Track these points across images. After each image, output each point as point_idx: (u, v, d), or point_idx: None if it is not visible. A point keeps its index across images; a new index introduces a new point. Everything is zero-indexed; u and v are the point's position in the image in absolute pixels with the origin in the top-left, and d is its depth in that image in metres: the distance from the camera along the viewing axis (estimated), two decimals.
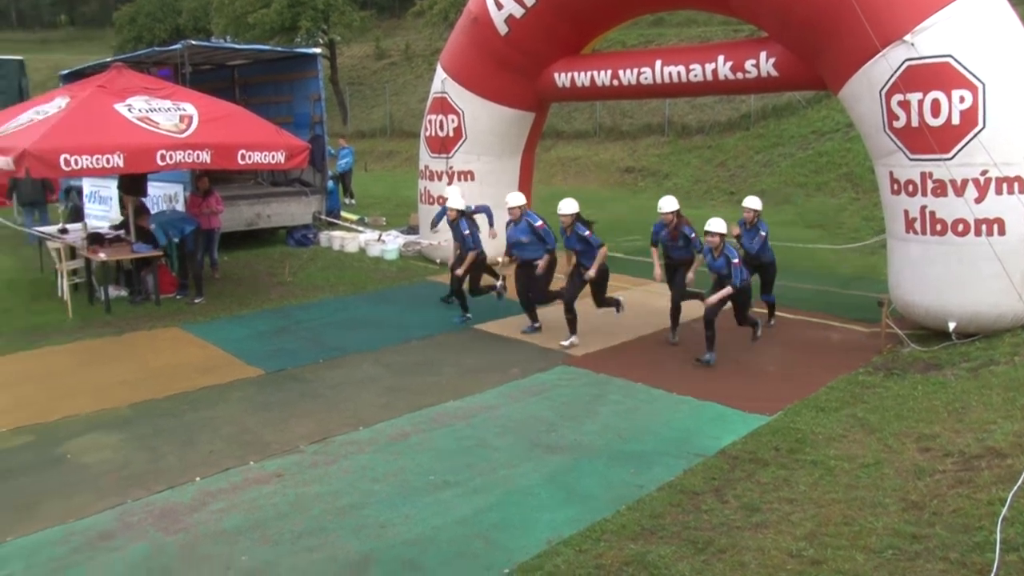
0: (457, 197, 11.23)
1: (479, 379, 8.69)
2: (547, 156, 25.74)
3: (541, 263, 10.27)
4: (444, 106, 14.17)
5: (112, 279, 12.59)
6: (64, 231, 13.70)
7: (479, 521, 5.92)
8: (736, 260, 9.18)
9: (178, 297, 12.35)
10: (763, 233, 10.36)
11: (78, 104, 11.22)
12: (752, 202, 10.42)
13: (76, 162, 10.22)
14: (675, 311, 10.15)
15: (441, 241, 14.04)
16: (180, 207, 14.22)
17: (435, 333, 10.65)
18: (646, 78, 12.44)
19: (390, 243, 15.66)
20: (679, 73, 12.09)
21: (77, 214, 16.50)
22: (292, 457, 7.01)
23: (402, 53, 42.48)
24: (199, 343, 10.14)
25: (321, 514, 6.04)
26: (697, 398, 8.22)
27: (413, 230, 16.33)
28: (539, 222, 10.21)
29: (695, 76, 11.94)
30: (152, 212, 13.11)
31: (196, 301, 12.05)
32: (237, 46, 19.59)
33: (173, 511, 6.13)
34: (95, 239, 12.47)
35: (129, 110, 11.11)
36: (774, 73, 11.17)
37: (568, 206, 9.93)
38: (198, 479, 6.62)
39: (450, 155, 14.19)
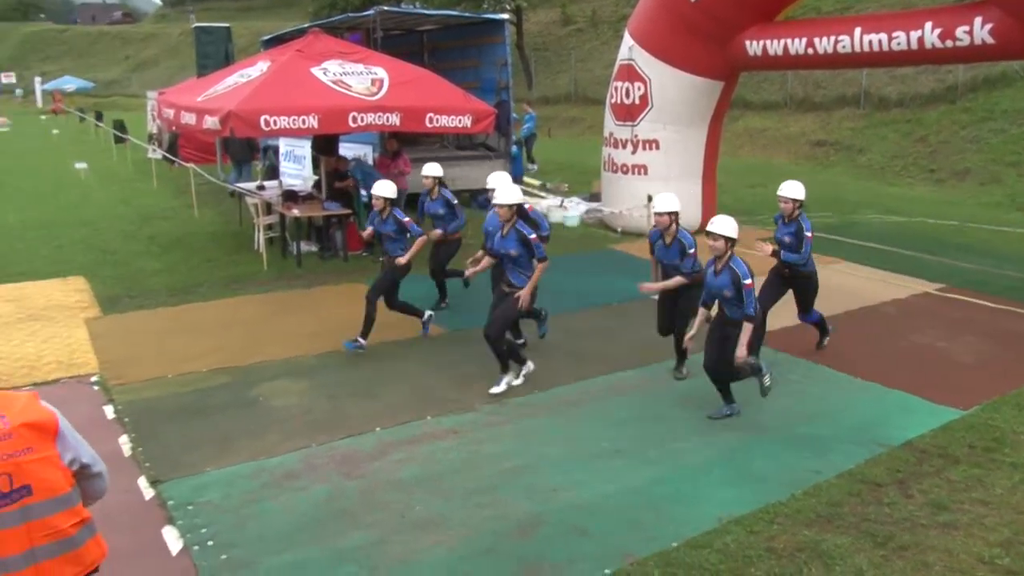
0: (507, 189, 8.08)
1: (657, 350, 8.56)
2: (734, 127, 25.00)
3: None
4: (631, 73, 13.97)
5: (304, 235, 13.21)
6: (261, 188, 14.48)
7: (649, 492, 5.86)
8: (748, 281, 6.69)
9: (365, 254, 12.82)
10: (808, 233, 8.01)
11: (278, 68, 11.78)
12: (791, 189, 8.12)
13: (275, 122, 10.75)
14: (677, 344, 8.00)
15: (623, 210, 13.91)
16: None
17: (614, 301, 10.55)
18: (844, 47, 11.79)
19: (572, 210, 15.65)
20: (880, 41, 11.38)
21: (273, 172, 17.39)
22: (468, 416, 7.16)
23: (588, 19, 42.23)
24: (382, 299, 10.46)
25: (493, 473, 6.14)
26: (884, 385, 7.79)
27: (595, 197, 16.24)
28: (533, 235, 7.70)
29: (898, 45, 11.21)
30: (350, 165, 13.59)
31: (381, 259, 12.44)
32: (427, 12, 19.97)
33: (354, 457, 6.40)
34: (289, 196, 13.11)
35: (324, 73, 11.57)
36: (990, 40, 10.32)
37: (667, 202, 7.71)
38: (378, 429, 6.88)
39: (635, 123, 14.00)
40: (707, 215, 14.20)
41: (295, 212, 12.50)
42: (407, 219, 8.90)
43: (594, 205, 15.82)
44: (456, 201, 10.09)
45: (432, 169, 10.02)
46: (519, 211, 7.80)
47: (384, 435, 6.77)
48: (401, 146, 13.67)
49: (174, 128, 19.77)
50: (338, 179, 12.93)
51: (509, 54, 18.01)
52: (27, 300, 10.66)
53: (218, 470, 6.26)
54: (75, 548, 2.83)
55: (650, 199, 13.42)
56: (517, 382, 7.80)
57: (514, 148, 18.41)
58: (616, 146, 14.42)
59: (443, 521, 5.52)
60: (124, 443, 6.76)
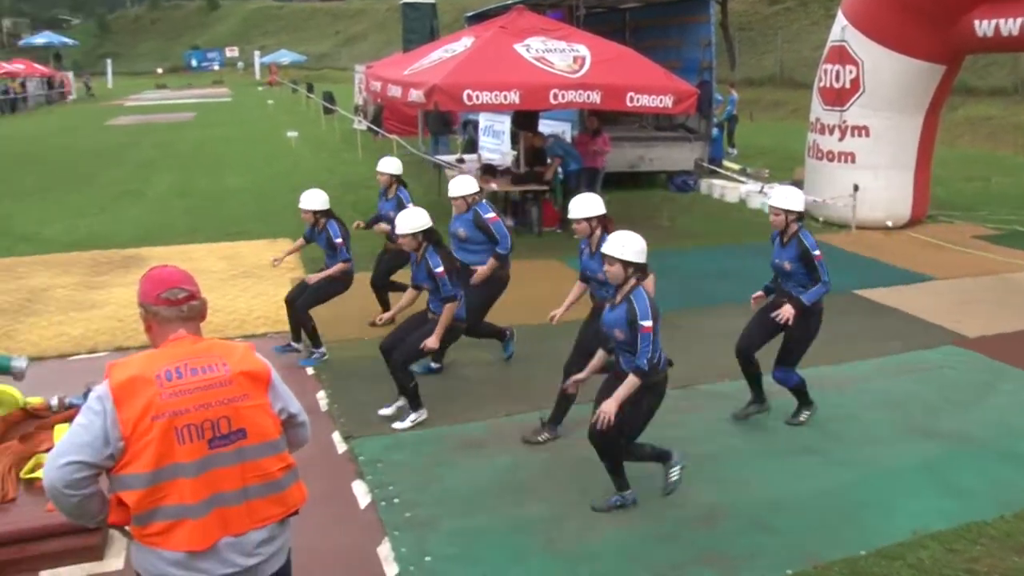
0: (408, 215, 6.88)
1: (854, 347, 8.17)
2: (952, 115, 23.34)
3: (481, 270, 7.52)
4: (842, 55, 13.30)
5: (500, 209, 13.43)
6: (461, 161, 14.84)
7: (840, 495, 5.61)
8: (646, 325, 5.02)
9: (559, 231, 12.91)
10: (816, 252, 6.19)
11: (482, 44, 12.00)
12: (783, 197, 6.34)
13: (477, 97, 10.97)
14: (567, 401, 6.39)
15: (826, 199, 13.33)
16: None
17: None
18: None
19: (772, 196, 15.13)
20: None
21: (472, 146, 17.78)
22: None
23: None
24: (575, 277, 10.48)
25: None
26: None
27: (797, 184, 15.61)
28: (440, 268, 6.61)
29: None
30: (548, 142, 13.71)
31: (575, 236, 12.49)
32: None
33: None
34: (488, 170, 13.37)
35: (527, 50, 11.69)
36: None
37: (785, 198, 6.37)
38: None
39: (844, 108, 13.33)
40: (918, 209, 13.43)
41: (493, 186, 12.73)
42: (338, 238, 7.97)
43: None
44: (341, 239, 8.24)
45: (387, 165, 8.91)
46: (427, 235, 6.64)
47: (572, 411, 6.80)
48: (601, 124, 13.64)
49: (379, 100, 20.65)
50: (538, 162, 13.03)
51: (713, 33, 17.59)
52: (240, 258, 11.45)
53: (409, 432, 6.50)
54: (281, 491, 3.02)
55: (856, 189, 12.83)
56: (416, 418, 6.70)
57: (715, 131, 17.98)
58: (822, 132, 13.80)
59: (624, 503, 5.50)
60: (321, 398, 7.14)
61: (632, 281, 5.20)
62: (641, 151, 16.47)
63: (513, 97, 11.02)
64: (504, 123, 15.49)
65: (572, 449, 6.18)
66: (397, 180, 8.79)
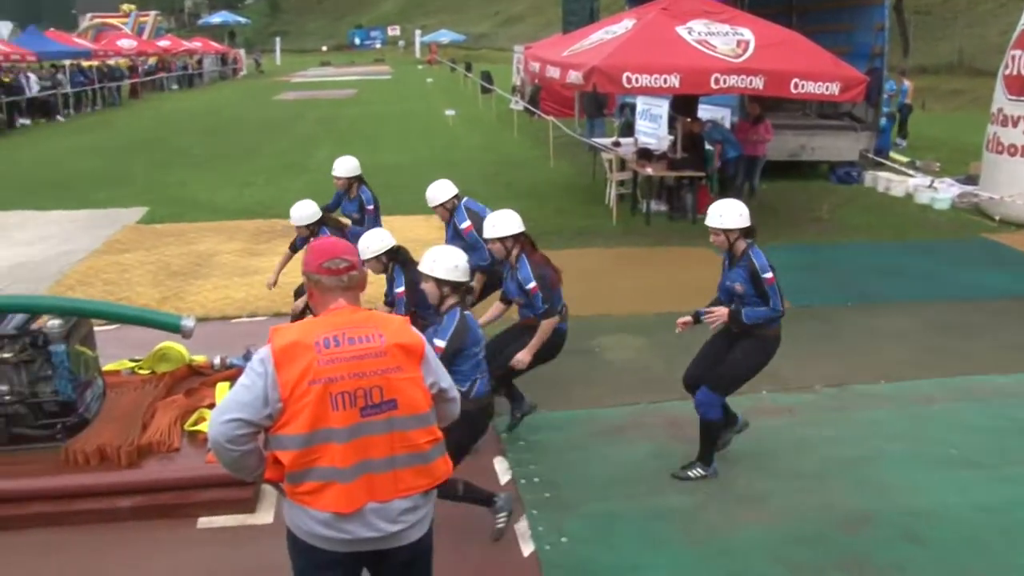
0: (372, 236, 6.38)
1: None
2: None
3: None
4: None
5: (655, 194, 13.28)
6: (617, 144, 14.73)
7: (1002, 512, 5.27)
8: (768, 276, 5.20)
9: None
10: (767, 275, 5.30)
11: (643, 25, 11.84)
12: (716, 216, 5.42)
13: (637, 80, 10.84)
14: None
15: (1005, 196, 12.51)
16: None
17: (983, 297, 9.49)
18: None
19: (943, 191, 14.30)
20: None
21: (629, 129, 17.63)
22: (806, 396, 6.87)
23: None
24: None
25: (825, 460, 5.86)
26: None
27: (971, 180, 14.72)
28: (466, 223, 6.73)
29: None
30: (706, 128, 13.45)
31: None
32: None
33: (683, 420, 6.36)
34: (643, 154, 13.22)
35: (689, 32, 11.45)
36: None
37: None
38: None
39: None
40: None
41: (648, 170, 12.59)
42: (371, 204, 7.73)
43: (969, 188, 14.34)
44: (373, 206, 8.10)
45: (341, 167, 8.16)
46: (391, 255, 6.21)
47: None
48: (763, 111, 13.26)
49: (537, 81, 20.71)
50: (695, 148, 12.76)
51: (887, 17, 16.73)
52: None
53: (551, 412, 6.54)
54: (427, 463, 3.09)
55: None
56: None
57: (883, 120, 17.13)
58: (1005, 124, 12.93)
59: (765, 499, 5.37)
60: None
61: (742, 244, 5.35)
62: (803, 140, 15.88)
63: (673, 81, 10.83)
64: (662, 107, 15.29)
65: None
66: (357, 180, 8.16)
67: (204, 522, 5.22)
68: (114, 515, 5.27)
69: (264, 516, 5.26)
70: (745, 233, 5.39)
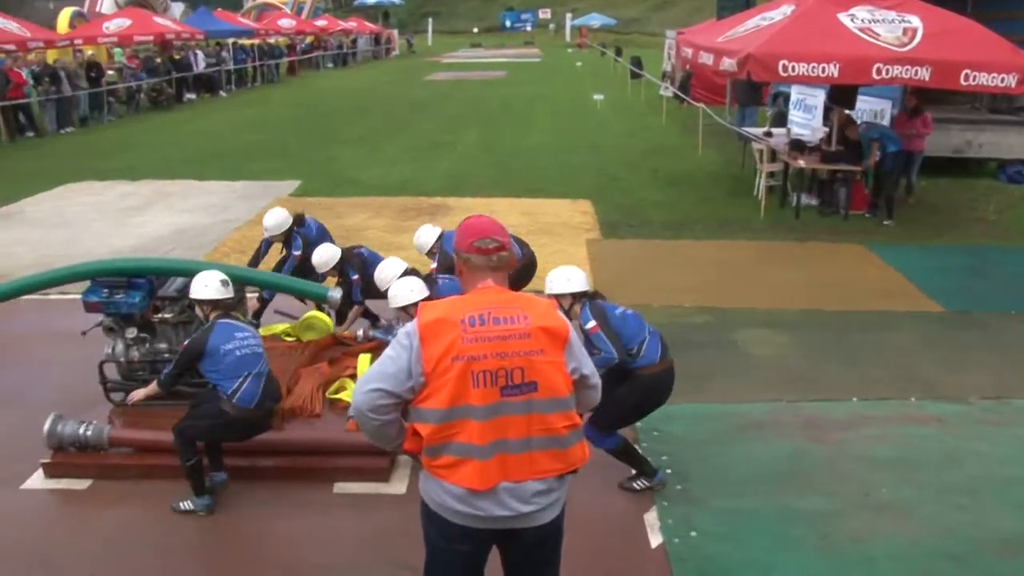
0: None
1: None
2: None
3: None
4: None
5: (806, 187, 12.84)
6: (768, 134, 14.29)
7: None
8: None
9: (867, 215, 12.12)
10: (589, 325, 5.13)
11: (802, 12, 11.42)
12: (555, 282, 5.27)
13: (793, 68, 10.49)
14: None
15: None
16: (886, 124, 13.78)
17: None
18: None
19: None
20: None
21: (781, 119, 17.07)
22: (957, 406, 6.50)
23: None
24: (880, 265, 9.87)
25: (978, 475, 5.52)
26: None
27: None
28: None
29: None
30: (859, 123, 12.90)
31: (885, 223, 11.67)
32: None
33: (823, 422, 6.18)
34: (796, 146, 12.79)
35: (851, 20, 10.98)
36: None
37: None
38: (854, 399, 6.54)
39: None
40: None
41: (800, 162, 12.17)
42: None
43: None
44: (300, 252, 7.41)
45: (270, 222, 7.47)
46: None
47: (860, 407, 6.42)
48: (921, 103, 12.58)
49: (688, 67, 20.33)
50: (850, 142, 12.22)
51: None
52: (539, 215, 11.80)
53: (688, 404, 6.40)
54: (563, 447, 3.08)
55: None
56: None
57: None
58: None
59: (909, 510, 5.12)
60: None
61: (577, 308, 5.23)
62: (970, 135, 14.96)
63: (832, 70, 10.41)
64: (818, 97, 14.70)
65: (859, 445, 5.85)
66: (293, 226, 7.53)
67: (340, 487, 5.40)
68: (256, 473, 5.51)
69: (398, 486, 5.39)
70: (581, 296, 5.27)
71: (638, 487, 5.41)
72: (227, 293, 5.24)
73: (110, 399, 6.31)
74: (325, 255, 7.15)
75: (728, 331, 7.82)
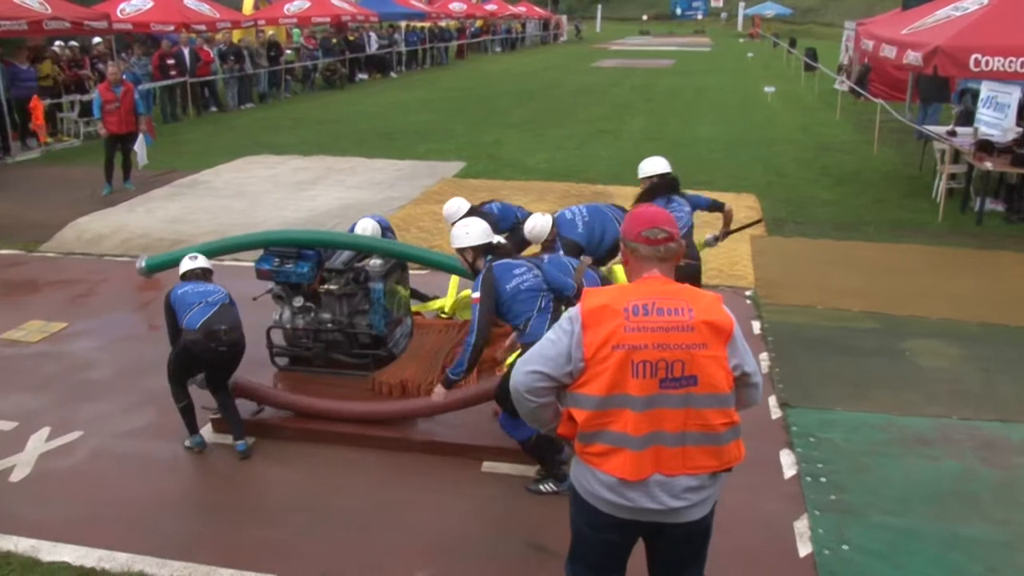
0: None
1: None
2: None
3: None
4: None
5: (992, 191, 12.03)
6: (952, 133, 13.48)
7: None
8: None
9: None
10: (475, 293, 5.04)
11: (1000, 1, 10.68)
12: (459, 235, 5.23)
13: (987, 63, 9.88)
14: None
15: None
16: None
17: None
18: None
19: None
20: None
21: (967, 118, 16.06)
22: None
23: None
24: None
25: None
26: None
27: None
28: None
29: None
30: None
31: None
32: None
33: (997, 444, 5.78)
34: (984, 146, 11.99)
35: None
36: None
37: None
38: None
39: None
40: None
41: (987, 165, 11.40)
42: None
43: None
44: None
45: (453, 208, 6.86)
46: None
47: None
48: None
49: (867, 60, 19.42)
50: None
51: None
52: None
53: (847, 412, 6.17)
54: (719, 444, 3.02)
55: None
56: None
57: None
58: None
59: None
60: (763, 360, 7.01)
61: (481, 263, 5.17)
62: None
63: None
64: (1012, 95, 13.74)
65: None
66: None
67: (488, 466, 5.47)
68: (406, 445, 5.66)
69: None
70: (484, 251, 5.19)
71: (544, 490, 5.20)
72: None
73: (275, 363, 6.63)
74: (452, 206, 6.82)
75: (896, 339, 7.42)
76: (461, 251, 5.28)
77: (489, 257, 5.15)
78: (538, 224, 6.39)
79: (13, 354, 7.31)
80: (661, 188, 6.66)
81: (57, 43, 19.35)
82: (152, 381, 6.46)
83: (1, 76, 15.90)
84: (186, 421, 5.71)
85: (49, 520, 5.00)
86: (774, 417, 6.12)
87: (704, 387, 2.95)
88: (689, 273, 5.85)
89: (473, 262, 5.23)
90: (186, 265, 5.95)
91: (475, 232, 5.22)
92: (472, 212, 6.54)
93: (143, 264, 6.69)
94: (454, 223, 5.77)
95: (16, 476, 5.49)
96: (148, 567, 4.56)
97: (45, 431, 6.01)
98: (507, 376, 4.74)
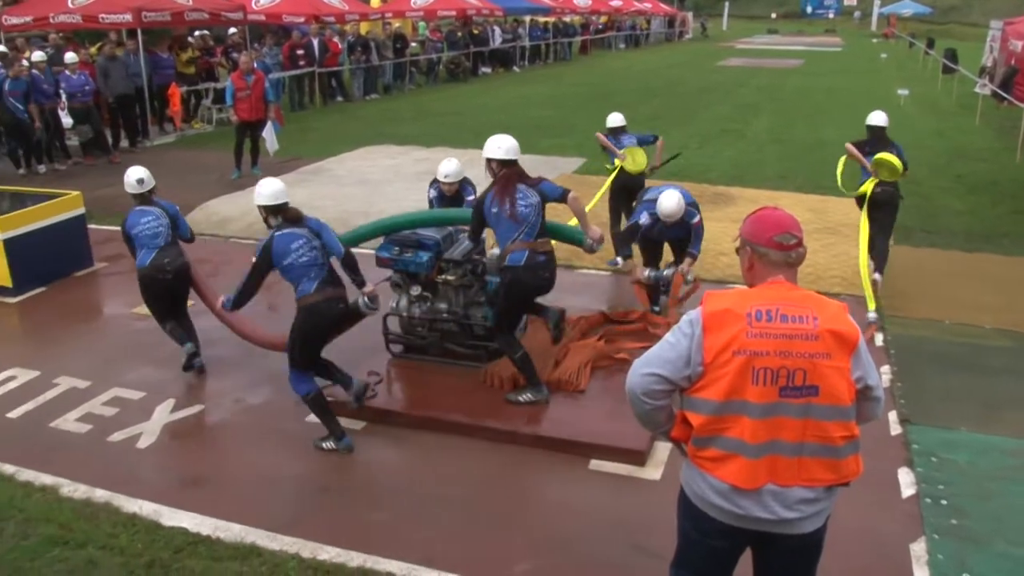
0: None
1: None
2: None
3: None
4: None
5: None
6: None
7: None
8: None
9: None
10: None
11: None
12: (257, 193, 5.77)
13: None
14: None
15: None
16: None
17: None
18: None
19: None
20: None
21: None
22: None
23: None
24: None
25: None
26: None
27: None
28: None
29: None
30: None
31: None
32: None
33: None
34: None
35: None
36: None
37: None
38: None
39: None
40: None
41: None
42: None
43: None
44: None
45: (452, 167, 7.43)
46: None
47: None
48: None
49: (1013, 62, 18.47)
50: None
51: None
52: (827, 213, 11.21)
53: (973, 433, 5.88)
54: (837, 458, 2.93)
55: None
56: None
57: None
58: None
59: None
60: (884, 373, 6.76)
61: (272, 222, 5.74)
62: None
63: None
64: None
65: None
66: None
67: (595, 464, 5.44)
68: (515, 439, 5.69)
69: (652, 472, 5.36)
70: (273, 211, 5.63)
71: (326, 448, 5.61)
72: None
73: (389, 350, 6.76)
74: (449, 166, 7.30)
75: None
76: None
77: (278, 222, 5.61)
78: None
79: (143, 328, 7.67)
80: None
81: (197, 32, 20.20)
82: (271, 361, 6.69)
83: (144, 64, 16.69)
84: (174, 338, 6.75)
85: (171, 487, 5.26)
86: (894, 433, 5.90)
87: (825, 398, 2.87)
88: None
89: (265, 219, 5.70)
90: (133, 189, 6.81)
91: (266, 192, 5.62)
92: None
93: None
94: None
95: (143, 443, 5.79)
96: (259, 539, 4.73)
97: (170, 402, 6.32)
98: (295, 330, 5.53)
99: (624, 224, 8.11)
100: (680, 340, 2.97)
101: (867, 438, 5.35)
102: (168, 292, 6.68)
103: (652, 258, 7.57)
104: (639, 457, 5.43)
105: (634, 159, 9.18)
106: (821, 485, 2.95)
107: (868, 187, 8.38)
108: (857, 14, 75.07)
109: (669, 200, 6.98)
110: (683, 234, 7.19)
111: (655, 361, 3.00)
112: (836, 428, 2.90)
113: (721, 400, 2.89)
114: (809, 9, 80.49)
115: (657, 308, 7.44)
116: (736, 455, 2.91)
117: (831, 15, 77.91)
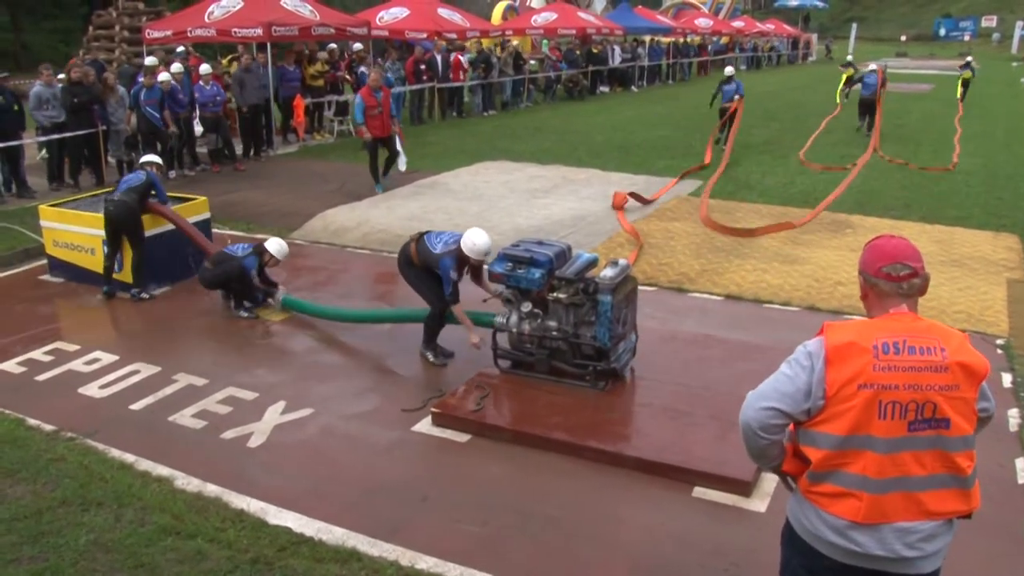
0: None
1: None
2: None
3: None
4: None
5: None
6: None
7: None
8: None
9: None
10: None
11: None
12: None
13: None
14: None
15: None
16: None
17: None
18: None
19: None
20: None
21: None
22: None
23: None
24: None
25: None
26: None
27: None
28: None
29: None
30: None
31: None
32: None
33: None
34: None
35: None
36: None
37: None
38: None
39: None
40: None
41: None
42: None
43: None
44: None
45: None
46: None
47: None
48: None
49: None
50: None
51: None
52: (953, 245, 10.73)
53: None
54: (964, 488, 2.82)
55: None
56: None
57: None
58: None
59: None
60: (1012, 416, 6.41)
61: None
62: None
63: None
64: None
65: None
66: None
67: (699, 492, 5.33)
68: (619, 461, 5.61)
69: (757, 504, 5.20)
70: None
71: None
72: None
73: (497, 365, 6.78)
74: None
75: None
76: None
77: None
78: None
79: (259, 331, 7.91)
80: None
81: (330, 46, 20.86)
82: (379, 369, 6.79)
83: (272, 77, 17.30)
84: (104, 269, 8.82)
85: (277, 487, 5.39)
86: (1020, 481, 5.57)
87: (956, 430, 2.78)
88: None
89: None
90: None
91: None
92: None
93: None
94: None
95: (253, 442, 5.96)
96: (360, 544, 4.79)
97: (281, 404, 6.49)
98: None
99: None
100: (799, 373, 2.87)
101: (989, 483, 5.13)
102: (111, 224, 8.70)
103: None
104: (745, 487, 5.28)
105: None
106: (944, 519, 2.84)
107: None
108: (996, 36, 71.87)
109: (480, 237, 6.81)
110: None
111: (772, 395, 2.90)
112: (964, 459, 2.81)
113: (844, 435, 2.79)
114: (943, 31, 77.53)
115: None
116: (857, 492, 2.81)
117: (966, 37, 74.65)
